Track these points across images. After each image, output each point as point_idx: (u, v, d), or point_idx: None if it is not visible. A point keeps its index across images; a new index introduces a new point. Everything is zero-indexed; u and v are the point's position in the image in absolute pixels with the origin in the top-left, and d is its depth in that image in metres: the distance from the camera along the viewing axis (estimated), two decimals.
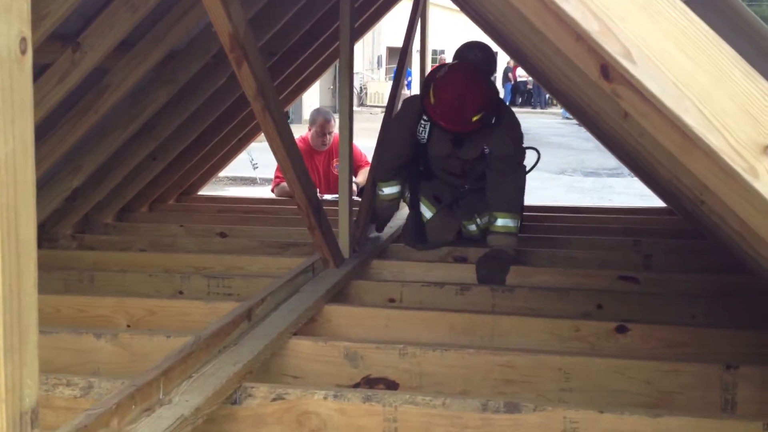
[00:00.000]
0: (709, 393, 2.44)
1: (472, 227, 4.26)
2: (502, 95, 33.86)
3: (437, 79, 3.83)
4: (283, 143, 2.71)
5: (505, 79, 32.91)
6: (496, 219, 3.95)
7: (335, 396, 2.17)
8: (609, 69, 1.39)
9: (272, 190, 6.44)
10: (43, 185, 4.07)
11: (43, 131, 3.58)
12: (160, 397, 1.98)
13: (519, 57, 5.57)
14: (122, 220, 5.28)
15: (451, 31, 30.56)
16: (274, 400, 2.19)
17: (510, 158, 3.99)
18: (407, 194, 4.30)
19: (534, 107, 32.72)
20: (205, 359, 2.25)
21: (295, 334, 2.70)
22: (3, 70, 1.17)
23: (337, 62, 5.53)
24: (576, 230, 4.85)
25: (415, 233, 4.17)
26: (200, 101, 4.57)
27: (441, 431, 2.13)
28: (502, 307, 3.30)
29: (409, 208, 4.32)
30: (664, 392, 2.46)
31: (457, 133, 3.84)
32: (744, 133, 1.09)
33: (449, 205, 4.25)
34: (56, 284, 3.61)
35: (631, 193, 12.05)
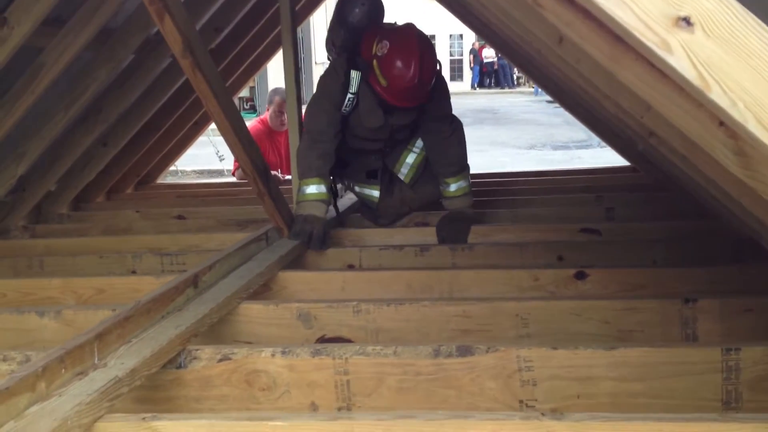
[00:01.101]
0: (670, 328, 2.39)
1: (404, 169, 3.91)
2: (470, 78, 33.36)
3: (381, 59, 3.40)
4: (219, 104, 2.62)
5: (474, 61, 32.89)
6: (448, 185, 3.79)
7: (283, 353, 2.10)
8: None
9: (233, 174, 6.34)
10: None
11: None
12: (95, 361, 1.90)
13: (486, 34, 5.50)
14: (78, 210, 5.15)
15: (398, 9, 30.51)
16: (220, 360, 2.10)
17: (447, 116, 3.80)
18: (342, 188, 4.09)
19: (502, 87, 32.75)
20: (145, 325, 2.16)
21: (246, 299, 2.62)
22: None
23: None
24: (539, 191, 4.80)
25: (373, 218, 3.94)
26: (147, 82, 4.46)
27: (394, 380, 2.07)
28: (462, 265, 3.23)
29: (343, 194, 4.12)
30: (623, 331, 2.41)
31: (412, 109, 3.59)
32: (653, 5, 1.03)
33: (382, 172, 3.90)
34: (4, 272, 3.51)
35: (601, 162, 12.05)
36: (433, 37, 32.72)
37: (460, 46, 33.11)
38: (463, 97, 29.00)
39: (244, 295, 2.61)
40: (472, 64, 33.08)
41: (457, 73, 34.36)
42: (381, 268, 3.13)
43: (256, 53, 5.65)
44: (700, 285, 2.70)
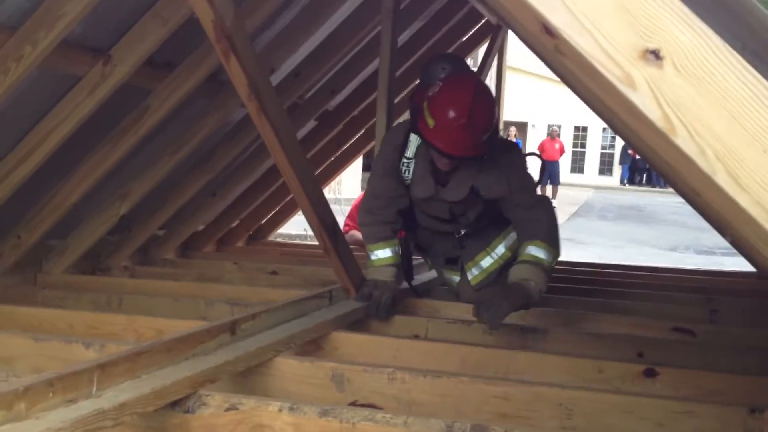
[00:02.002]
0: None
1: (484, 263, 3.56)
2: (619, 174, 32.29)
3: (431, 97, 3.08)
4: (285, 152, 2.59)
5: (625, 157, 32.14)
6: (526, 248, 3.23)
7: (291, 409, 1.98)
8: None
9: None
10: (90, 210, 4.11)
11: (84, 150, 3.62)
12: (93, 391, 1.85)
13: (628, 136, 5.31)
14: (184, 257, 5.29)
15: (539, 100, 30.22)
16: (227, 410, 2.02)
17: (519, 193, 3.29)
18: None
19: (654, 186, 31.73)
20: (163, 363, 2.11)
21: (284, 354, 2.53)
22: None
23: None
24: (641, 286, 4.50)
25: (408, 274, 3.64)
26: (256, 134, 4.55)
27: None
28: (530, 348, 3.02)
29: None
30: None
31: (459, 159, 3.12)
32: (620, 33, 0.89)
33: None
34: (83, 305, 3.60)
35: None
36: (585, 128, 32.40)
37: (612, 139, 32.47)
38: (611, 192, 28.33)
39: (283, 348, 2.52)
40: (621, 161, 32.33)
41: (606, 167, 33.64)
42: (439, 340, 2.97)
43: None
44: None
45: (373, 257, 3.35)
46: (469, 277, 3.57)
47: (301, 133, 5.21)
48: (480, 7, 5.22)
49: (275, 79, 4.34)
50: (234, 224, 5.79)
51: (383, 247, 3.33)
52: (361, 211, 3.44)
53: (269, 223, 6.31)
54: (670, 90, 0.88)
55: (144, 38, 3.11)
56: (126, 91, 3.39)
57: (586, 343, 3.06)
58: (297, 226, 8.40)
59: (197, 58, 3.56)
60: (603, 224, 17.08)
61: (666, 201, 26.54)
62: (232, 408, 2.01)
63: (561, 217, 17.41)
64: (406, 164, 3.28)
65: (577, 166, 33.37)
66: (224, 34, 2.25)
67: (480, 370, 2.69)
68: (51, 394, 1.73)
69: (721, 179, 0.86)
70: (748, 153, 0.85)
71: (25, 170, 3.28)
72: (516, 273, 3.17)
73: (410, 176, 3.30)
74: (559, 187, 21.18)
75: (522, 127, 29.73)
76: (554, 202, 17.04)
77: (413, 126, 3.20)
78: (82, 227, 4.13)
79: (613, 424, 2.19)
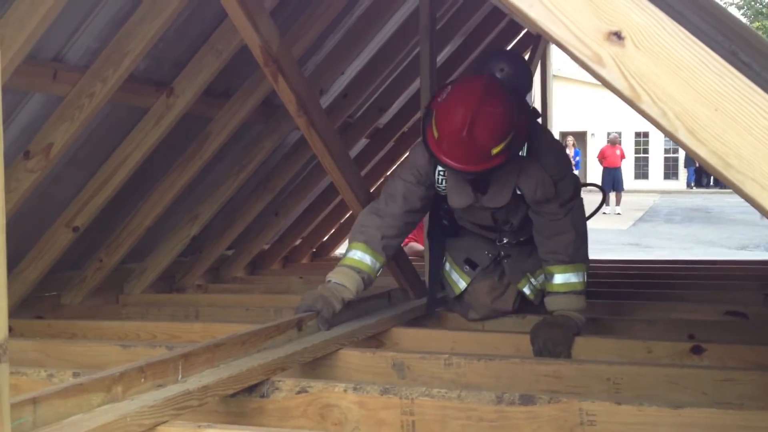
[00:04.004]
0: None
1: (526, 290, 3.32)
2: (685, 177, 30.96)
3: (439, 105, 2.83)
4: (336, 163, 2.81)
5: (690, 160, 31.67)
6: (552, 276, 3.06)
7: (354, 389, 2.19)
8: None
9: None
10: (164, 233, 4.41)
11: (155, 176, 3.91)
12: (179, 378, 2.09)
13: None
14: (252, 274, 5.58)
15: (596, 109, 29.92)
16: (298, 393, 2.23)
17: (557, 198, 3.05)
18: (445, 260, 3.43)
19: (722, 187, 31.12)
20: (237, 354, 2.33)
21: (347, 347, 2.74)
22: None
23: None
24: (698, 277, 4.58)
25: (429, 304, 3.38)
26: (311, 154, 4.80)
27: (457, 424, 2.09)
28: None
29: (429, 274, 3.47)
30: (721, 403, 2.27)
31: (473, 174, 2.88)
32: (587, 21, 1.08)
33: (489, 268, 3.31)
34: (164, 318, 3.88)
35: None
36: (647, 134, 31.99)
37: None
38: (677, 196, 27.89)
39: (346, 342, 2.73)
40: (686, 164, 31.82)
41: (671, 171, 33.17)
42: (493, 331, 3.14)
43: None
44: None
45: (348, 255, 3.05)
46: (526, 291, 3.30)
47: (355, 151, 5.45)
48: (518, 19, 5.40)
49: (325, 101, 4.60)
50: (297, 242, 6.05)
51: (364, 251, 3.03)
52: (367, 212, 3.15)
53: (331, 239, 6.56)
54: (633, 64, 1.06)
55: (201, 69, 3.38)
56: (188, 120, 3.68)
57: (636, 327, 3.19)
58: None
59: (251, 85, 3.82)
60: (670, 228, 16.89)
61: (734, 201, 25.94)
62: (302, 391, 2.22)
63: (626, 223, 17.42)
64: (442, 174, 3.06)
65: (641, 171, 32.99)
66: (271, 57, 2.49)
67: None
68: (143, 379, 1.97)
69: (683, 135, 1.04)
70: (701, 111, 1.03)
71: (102, 197, 3.57)
72: (555, 303, 3.05)
73: (444, 186, 3.08)
74: (624, 193, 21.02)
75: (581, 136, 29.56)
76: (618, 209, 16.67)
77: (422, 130, 2.95)
78: (158, 249, 4.43)
79: (658, 395, 2.33)
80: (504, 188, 3.01)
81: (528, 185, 3.00)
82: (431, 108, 2.88)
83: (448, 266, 3.40)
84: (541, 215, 3.09)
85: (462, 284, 3.33)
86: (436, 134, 2.81)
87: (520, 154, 2.93)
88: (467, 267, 3.31)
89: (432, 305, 3.38)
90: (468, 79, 3.08)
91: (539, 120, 3.42)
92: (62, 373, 2.35)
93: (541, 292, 3.24)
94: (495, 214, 3.14)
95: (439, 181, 3.07)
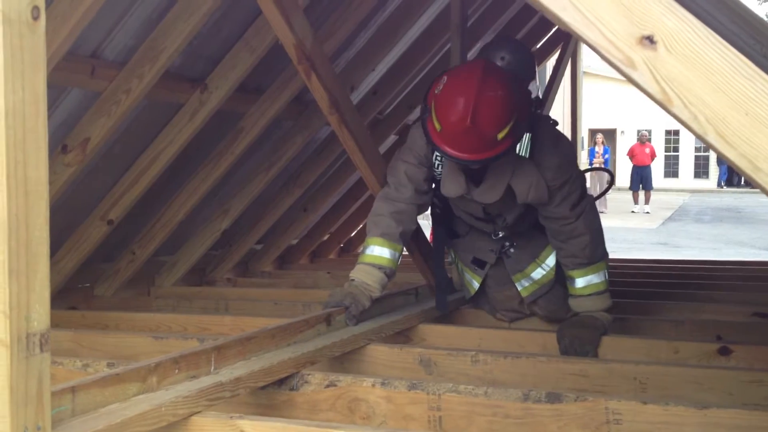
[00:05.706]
0: None
1: (519, 286, 3.28)
2: (716, 176, 30.60)
3: (437, 96, 2.76)
4: (366, 160, 2.84)
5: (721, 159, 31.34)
6: (574, 280, 3.06)
7: (382, 384, 2.22)
8: None
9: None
10: (195, 227, 4.47)
11: (188, 171, 3.97)
12: (211, 370, 2.13)
13: None
14: (281, 269, 5.63)
15: (626, 106, 29.65)
16: (327, 386, 2.27)
17: (565, 201, 3.01)
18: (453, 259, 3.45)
19: (752, 187, 30.73)
20: (268, 347, 2.38)
21: (375, 342, 2.78)
22: (13, 31, 1.41)
23: None
24: (727, 278, 4.56)
25: (439, 302, 3.34)
26: (343, 153, 4.84)
27: (483, 420, 2.12)
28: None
29: (436, 272, 3.43)
30: (747, 405, 2.27)
31: (479, 163, 2.80)
32: (619, 24, 1.10)
33: (497, 264, 3.30)
34: (195, 311, 3.94)
35: None
36: (677, 132, 31.70)
37: None
38: (708, 195, 27.64)
39: (374, 337, 2.77)
40: (719, 162, 31.49)
41: (702, 170, 32.85)
42: (520, 329, 3.16)
43: None
44: None
45: (367, 251, 3.04)
46: (519, 287, 3.28)
47: (384, 148, 5.48)
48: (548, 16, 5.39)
49: (356, 97, 4.63)
50: (325, 237, 6.10)
51: (382, 245, 3.02)
52: (379, 199, 3.12)
53: (359, 235, 6.59)
54: (664, 68, 1.08)
55: (235, 66, 3.42)
56: (221, 116, 3.73)
57: (663, 328, 3.20)
58: None
59: (283, 81, 3.87)
60: (699, 227, 16.75)
61: (766, 201, 25.73)
62: (331, 385, 2.26)
63: (655, 222, 17.28)
64: (438, 159, 3.01)
65: (671, 170, 32.72)
66: (305, 55, 2.53)
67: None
68: (177, 370, 2.02)
69: (712, 138, 1.06)
70: (731, 116, 1.05)
71: (136, 191, 3.64)
72: (581, 306, 3.06)
73: (440, 171, 3.04)
74: (654, 192, 20.86)
75: (610, 134, 29.37)
76: (647, 208, 16.48)
77: (423, 125, 2.86)
78: (189, 243, 4.49)
79: (683, 395, 2.34)
80: (497, 184, 2.95)
81: (521, 186, 2.95)
82: (428, 101, 2.82)
83: (460, 268, 3.43)
84: (552, 221, 3.07)
85: (475, 284, 3.35)
86: (438, 126, 2.73)
87: (521, 154, 2.87)
88: (475, 266, 3.32)
89: (443, 305, 3.35)
90: (464, 67, 3.04)
91: (546, 116, 3.39)
92: (97, 363, 2.41)
93: (539, 290, 3.26)
94: (487, 207, 3.10)
95: (436, 165, 3.05)
